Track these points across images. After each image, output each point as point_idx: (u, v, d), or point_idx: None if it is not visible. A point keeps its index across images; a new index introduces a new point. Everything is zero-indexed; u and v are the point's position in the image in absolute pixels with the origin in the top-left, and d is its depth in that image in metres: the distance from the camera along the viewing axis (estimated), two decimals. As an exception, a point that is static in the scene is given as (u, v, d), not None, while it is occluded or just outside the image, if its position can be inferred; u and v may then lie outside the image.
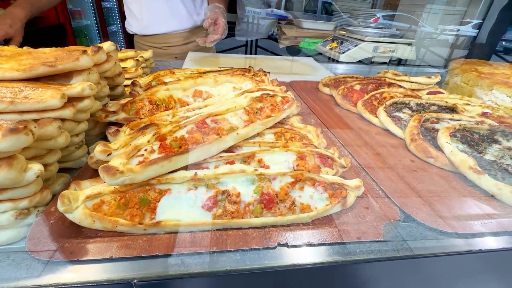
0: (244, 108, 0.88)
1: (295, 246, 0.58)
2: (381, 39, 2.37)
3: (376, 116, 1.20)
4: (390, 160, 0.94)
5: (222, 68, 1.29)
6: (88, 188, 0.62)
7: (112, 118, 0.87)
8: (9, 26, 1.45)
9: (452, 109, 1.23)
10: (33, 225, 0.56)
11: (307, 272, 0.56)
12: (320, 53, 2.74)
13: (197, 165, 0.71)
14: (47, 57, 0.75)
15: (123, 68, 1.23)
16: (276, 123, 0.92)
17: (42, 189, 0.60)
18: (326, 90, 1.57)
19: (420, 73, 1.69)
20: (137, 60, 1.33)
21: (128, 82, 1.09)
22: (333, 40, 2.67)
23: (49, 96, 0.62)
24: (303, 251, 0.57)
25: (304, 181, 0.70)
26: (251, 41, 4.50)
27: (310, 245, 0.59)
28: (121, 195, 0.61)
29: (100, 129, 0.91)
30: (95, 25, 4.11)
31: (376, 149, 1.01)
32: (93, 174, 0.72)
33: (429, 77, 1.54)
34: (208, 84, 1.08)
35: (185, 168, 0.67)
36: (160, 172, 0.62)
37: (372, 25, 2.74)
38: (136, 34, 2.08)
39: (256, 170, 0.67)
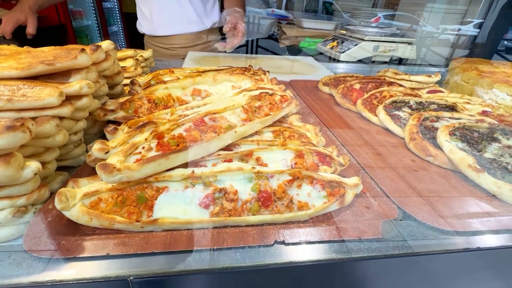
0: (242, 106, 0.88)
1: (292, 244, 0.58)
2: (381, 38, 2.37)
3: (376, 115, 1.20)
4: (389, 159, 0.94)
5: (221, 68, 1.29)
6: (85, 186, 0.62)
7: (111, 117, 0.87)
8: (18, 13, 1.63)
9: (452, 108, 1.23)
10: (30, 223, 0.56)
11: (304, 269, 0.56)
12: (321, 53, 2.74)
13: (195, 163, 0.71)
14: (46, 56, 0.76)
15: (122, 67, 1.24)
16: (275, 122, 0.92)
17: (40, 187, 0.60)
18: (326, 89, 1.57)
19: (421, 72, 1.68)
20: (137, 59, 1.33)
21: (128, 81, 1.09)
22: (333, 40, 2.67)
23: (47, 94, 0.62)
24: (301, 248, 0.57)
25: (302, 179, 0.70)
26: (252, 40, 4.51)
27: (308, 242, 0.58)
28: (118, 192, 0.61)
29: (99, 128, 0.91)
30: (96, 25, 4.12)
31: (376, 148, 1.01)
32: (91, 172, 0.72)
33: (429, 76, 1.54)
34: (207, 83, 1.08)
35: (183, 166, 0.68)
36: (157, 169, 0.62)
37: (373, 24, 2.74)
38: (145, 34, 2.12)
39: (253, 168, 0.67)
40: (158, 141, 0.69)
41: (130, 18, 4.78)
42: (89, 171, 0.74)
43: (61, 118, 0.68)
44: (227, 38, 1.74)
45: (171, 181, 0.64)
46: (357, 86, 1.46)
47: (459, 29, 3.36)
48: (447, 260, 0.63)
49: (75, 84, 0.69)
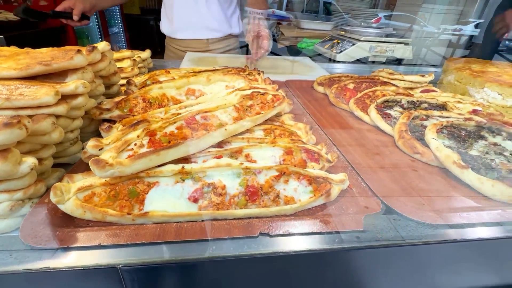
0: (234, 105, 0.91)
1: (276, 236, 0.60)
2: (378, 39, 2.39)
3: (368, 114, 1.22)
4: (378, 157, 0.96)
5: (217, 68, 1.32)
6: (80, 181, 0.65)
7: (106, 116, 0.90)
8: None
9: (443, 107, 1.25)
10: (27, 215, 0.59)
11: (288, 259, 0.59)
12: (320, 54, 2.76)
13: (186, 160, 0.74)
14: (44, 57, 0.79)
15: (119, 67, 1.27)
16: (266, 120, 0.95)
17: (37, 182, 0.63)
18: (321, 89, 1.59)
19: (419, 72, 1.70)
20: (134, 60, 1.36)
21: (124, 81, 1.12)
22: (330, 40, 2.69)
23: (44, 93, 0.65)
24: (284, 240, 0.60)
25: (289, 174, 0.72)
26: (252, 41, 4.51)
27: (291, 234, 0.61)
28: (111, 187, 0.64)
29: (95, 126, 0.94)
30: (97, 26, 4.16)
31: (366, 146, 1.03)
32: (87, 168, 0.74)
33: (423, 76, 1.56)
34: (201, 83, 1.11)
35: (175, 162, 0.70)
36: (148, 165, 0.65)
37: (374, 25, 2.75)
38: (166, 35, 2.18)
39: (241, 164, 0.70)
40: (150, 138, 0.72)
41: (130, 19, 4.83)
42: (84, 167, 0.76)
43: (57, 116, 0.71)
44: (252, 49, 1.70)
45: (162, 176, 0.67)
46: (351, 86, 1.48)
47: (458, 29, 3.36)
48: (427, 251, 0.66)
49: (71, 84, 0.72)
